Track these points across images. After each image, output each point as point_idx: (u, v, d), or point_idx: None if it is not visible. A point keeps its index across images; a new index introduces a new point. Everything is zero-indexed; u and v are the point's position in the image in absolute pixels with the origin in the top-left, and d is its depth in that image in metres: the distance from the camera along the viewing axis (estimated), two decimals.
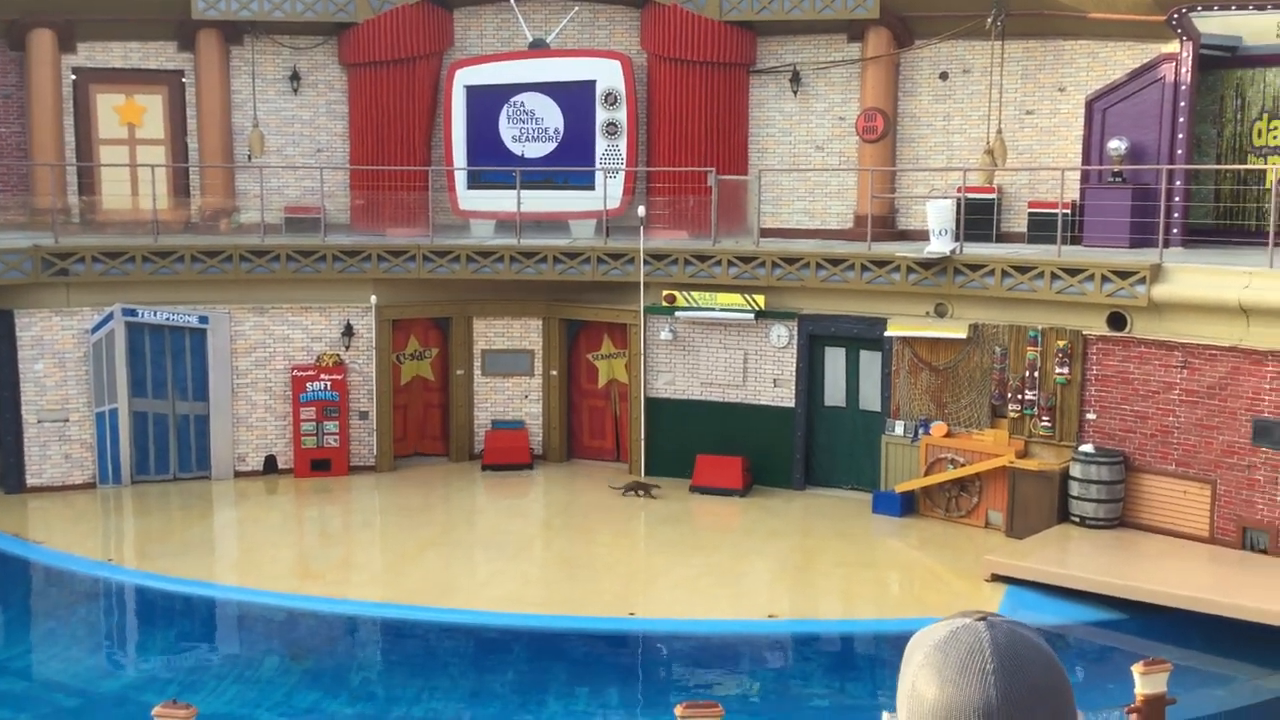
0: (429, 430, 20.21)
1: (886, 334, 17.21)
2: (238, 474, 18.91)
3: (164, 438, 18.72)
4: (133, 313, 18.32)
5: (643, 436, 19.03)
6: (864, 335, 17.62)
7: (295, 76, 21.13)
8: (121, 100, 20.74)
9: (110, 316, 18.25)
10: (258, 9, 20.29)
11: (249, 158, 20.85)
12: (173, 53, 20.83)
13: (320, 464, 18.94)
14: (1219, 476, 14.65)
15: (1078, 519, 15.42)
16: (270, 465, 19.10)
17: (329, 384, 18.89)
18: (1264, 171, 16.95)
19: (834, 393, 18.19)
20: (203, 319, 18.62)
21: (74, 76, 20.59)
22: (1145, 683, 9.72)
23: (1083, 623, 13.47)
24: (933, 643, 1.56)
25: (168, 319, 18.49)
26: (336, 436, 18.97)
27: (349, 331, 19.15)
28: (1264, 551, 14.25)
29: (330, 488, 18.59)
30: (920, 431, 17.06)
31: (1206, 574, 13.89)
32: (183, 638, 13.91)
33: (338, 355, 19.12)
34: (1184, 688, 10.53)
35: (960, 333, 16.68)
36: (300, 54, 21.17)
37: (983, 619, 1.56)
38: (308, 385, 18.84)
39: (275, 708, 11.66)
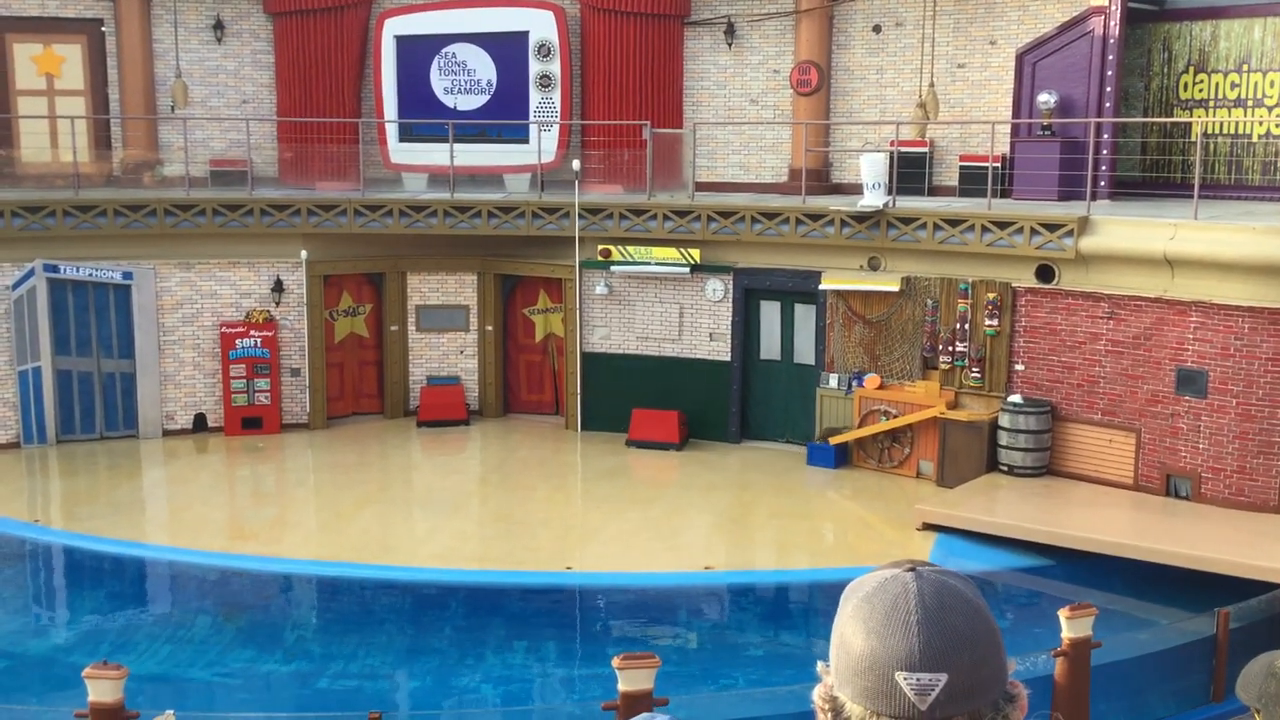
0: (364, 387, 20.02)
1: (821, 287, 17.31)
2: (166, 433, 18.61)
3: (89, 396, 18.36)
4: (54, 269, 17.88)
5: (579, 391, 19.02)
6: (799, 289, 17.71)
7: (219, 25, 20.62)
8: (39, 50, 20.11)
9: (31, 273, 17.80)
10: None
11: (172, 109, 20.35)
12: (92, 1, 20.21)
13: (251, 422, 18.70)
14: (1143, 425, 14.97)
15: (1006, 468, 15.70)
16: (200, 423, 18.83)
17: (259, 340, 18.61)
18: (1190, 124, 17.21)
19: (769, 346, 18.28)
20: (127, 275, 18.23)
21: None
22: (1071, 627, 9.95)
23: (1011, 569, 13.75)
24: (861, 594, 1.56)
25: (91, 275, 18.08)
26: (268, 394, 18.73)
27: (279, 287, 18.85)
28: (1186, 498, 14.62)
29: (262, 446, 18.37)
30: (854, 384, 17.22)
31: (1131, 520, 14.22)
32: (113, 599, 13.72)
33: (268, 312, 18.83)
34: (1109, 631, 10.80)
35: (893, 286, 16.82)
36: (224, 2, 20.64)
37: (911, 569, 1.56)
38: (237, 342, 18.55)
39: (209, 666, 11.57)
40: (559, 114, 19.99)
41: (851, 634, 1.54)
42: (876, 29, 19.49)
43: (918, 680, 1.48)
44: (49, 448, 17.99)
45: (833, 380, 17.44)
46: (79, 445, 18.15)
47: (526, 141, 19.77)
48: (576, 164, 18.64)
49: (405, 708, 11.21)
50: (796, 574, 14.25)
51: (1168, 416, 14.74)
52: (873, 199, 16.72)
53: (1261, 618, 11.66)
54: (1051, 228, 15.41)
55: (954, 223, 16.17)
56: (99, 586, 14.13)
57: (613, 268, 18.45)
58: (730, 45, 20.15)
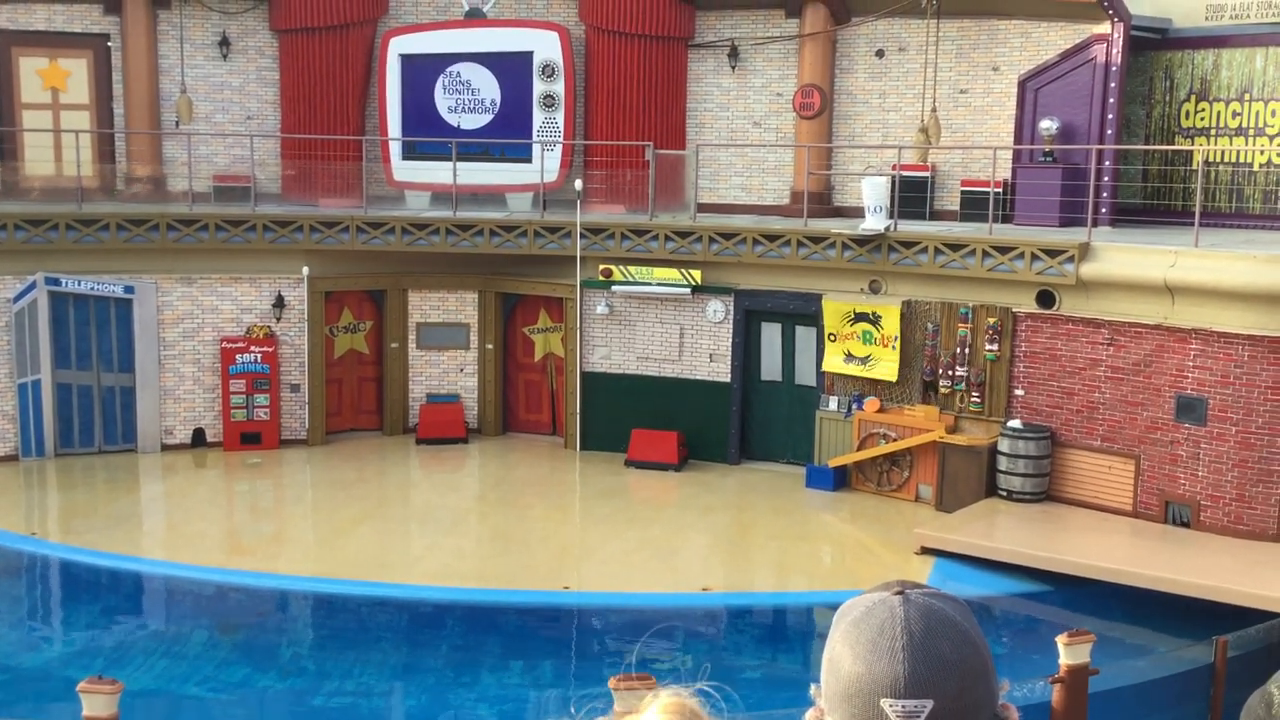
0: (363, 404, 20.01)
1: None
2: (165, 447, 18.60)
3: (89, 410, 18.35)
4: (56, 282, 17.90)
5: (579, 410, 19.01)
6: (800, 311, 17.73)
7: (225, 42, 20.71)
8: (45, 64, 20.19)
9: (33, 285, 17.82)
10: None
11: (176, 124, 20.42)
12: (98, 15, 20.30)
13: (250, 437, 18.69)
14: (1143, 452, 14.97)
15: (1005, 493, 15.68)
16: (199, 438, 18.81)
17: (259, 356, 18.62)
18: (1191, 152, 17.27)
19: (770, 368, 18.29)
20: (128, 289, 18.25)
21: None
22: (1069, 653, 9.93)
23: (1009, 594, 13.72)
24: (850, 618, 1.56)
25: (92, 289, 18.10)
26: (267, 410, 18.72)
27: (280, 303, 18.87)
28: (1185, 525, 14.60)
29: (260, 461, 18.35)
30: (854, 407, 17.22)
31: (1129, 547, 14.20)
32: (109, 613, 13.68)
33: (268, 327, 18.84)
34: (1106, 658, 10.77)
35: (894, 309, 16.82)
36: (230, 19, 20.74)
37: (900, 592, 1.56)
38: (237, 357, 18.55)
39: (204, 682, 11.53)
40: (562, 134, 20.05)
41: (840, 658, 1.54)
42: (879, 53, 19.57)
43: (903, 707, 1.48)
44: (47, 461, 17.97)
45: (833, 403, 17.44)
46: (77, 459, 18.13)
47: (529, 161, 19.83)
48: (579, 184, 18.68)
49: None
50: (794, 596, 14.22)
51: (1167, 443, 14.74)
52: (874, 222, 16.75)
53: (1260, 646, 11.63)
54: (1052, 253, 15.44)
55: (955, 247, 16.20)
56: (95, 600, 14.10)
57: (614, 288, 18.47)
58: (734, 68, 20.23)
